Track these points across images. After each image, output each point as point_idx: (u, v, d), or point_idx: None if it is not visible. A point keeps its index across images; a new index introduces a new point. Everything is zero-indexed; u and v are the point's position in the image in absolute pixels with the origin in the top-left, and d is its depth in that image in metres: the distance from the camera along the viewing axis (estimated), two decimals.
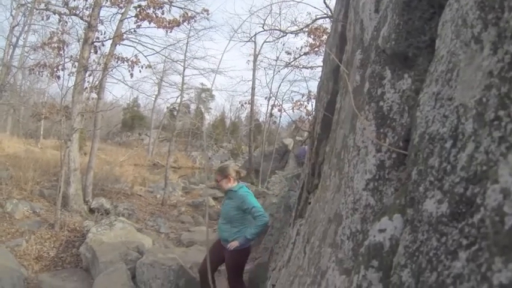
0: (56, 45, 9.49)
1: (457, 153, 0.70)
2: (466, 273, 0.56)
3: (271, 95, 15.74)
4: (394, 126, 1.10)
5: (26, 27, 14.08)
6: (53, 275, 5.06)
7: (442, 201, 0.69)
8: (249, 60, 19.94)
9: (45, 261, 5.45)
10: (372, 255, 0.92)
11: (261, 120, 29.34)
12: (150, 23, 9.29)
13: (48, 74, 9.70)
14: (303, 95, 12.71)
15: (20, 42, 14.19)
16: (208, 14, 10.86)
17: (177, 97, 19.90)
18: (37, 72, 9.77)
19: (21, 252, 5.42)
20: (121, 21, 9.60)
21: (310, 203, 2.25)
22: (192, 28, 11.89)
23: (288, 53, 14.58)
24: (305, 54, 12.41)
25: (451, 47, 0.86)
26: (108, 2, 9.01)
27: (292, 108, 12.64)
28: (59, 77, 9.32)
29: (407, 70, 1.13)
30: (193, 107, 35.17)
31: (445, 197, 0.68)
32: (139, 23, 9.36)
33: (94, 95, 9.80)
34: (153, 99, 30.42)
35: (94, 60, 9.30)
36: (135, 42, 10.13)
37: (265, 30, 11.19)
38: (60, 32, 9.63)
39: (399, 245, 0.83)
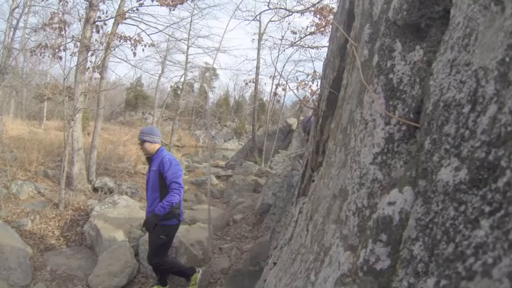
0: (57, 25, 9.38)
1: (476, 117, 0.65)
2: (491, 242, 0.52)
3: (276, 73, 15.55)
4: (404, 98, 1.06)
5: (26, 9, 13.95)
6: (57, 254, 5.13)
7: (459, 169, 0.65)
8: (253, 39, 19.70)
9: (50, 240, 5.52)
10: (381, 228, 0.88)
11: (265, 99, 29.21)
12: (152, 1, 9.14)
13: (50, 55, 9.65)
14: (307, 75, 12.53)
15: (21, 24, 14.05)
16: None
17: (181, 76, 19.82)
18: (39, 54, 9.71)
19: (26, 232, 5.49)
20: None
21: (313, 181, 2.22)
22: (195, 6, 11.70)
23: (294, 33, 14.35)
24: (311, 34, 12.18)
25: (468, 13, 0.83)
26: None
27: (297, 88, 12.49)
28: (60, 58, 9.27)
29: (419, 42, 1.09)
30: (197, 85, 35.02)
31: (463, 163, 0.64)
32: (141, 1, 9.23)
33: (97, 75, 9.76)
34: (157, 78, 30.12)
35: (96, 40, 9.20)
36: (137, 21, 10.02)
37: (270, 8, 10.94)
38: (61, 12, 9.51)
39: (409, 218, 0.79)
